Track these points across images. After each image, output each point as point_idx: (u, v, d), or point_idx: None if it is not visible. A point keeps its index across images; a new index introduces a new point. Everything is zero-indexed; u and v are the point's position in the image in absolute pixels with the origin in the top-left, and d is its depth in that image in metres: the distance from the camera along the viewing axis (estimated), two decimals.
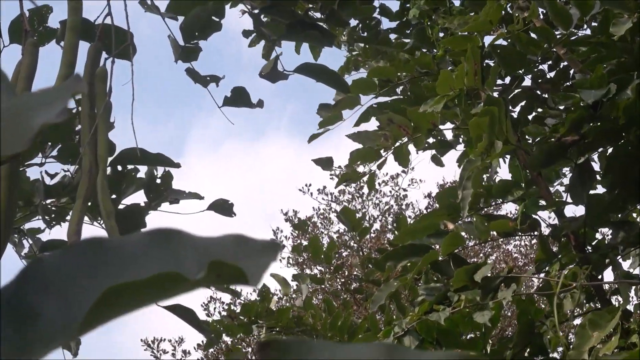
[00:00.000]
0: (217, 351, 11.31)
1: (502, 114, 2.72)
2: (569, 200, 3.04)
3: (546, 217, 3.16)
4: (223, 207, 2.31)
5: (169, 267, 0.42)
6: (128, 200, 2.50)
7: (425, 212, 11.64)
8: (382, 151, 3.35)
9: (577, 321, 3.50)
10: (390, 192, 12.42)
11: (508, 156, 3.38)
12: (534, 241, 11.34)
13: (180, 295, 0.42)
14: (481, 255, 11.52)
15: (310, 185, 11.89)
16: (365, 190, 12.00)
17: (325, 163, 3.72)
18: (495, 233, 3.17)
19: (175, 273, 0.40)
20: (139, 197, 2.55)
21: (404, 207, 12.53)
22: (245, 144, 23.28)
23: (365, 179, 3.68)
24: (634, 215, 3.39)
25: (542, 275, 3.23)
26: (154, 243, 0.45)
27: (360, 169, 3.66)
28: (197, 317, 2.07)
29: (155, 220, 2.56)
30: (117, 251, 0.45)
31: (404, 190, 12.46)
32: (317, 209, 12.18)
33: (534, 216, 3.11)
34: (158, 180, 2.49)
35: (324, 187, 12.18)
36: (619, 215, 3.14)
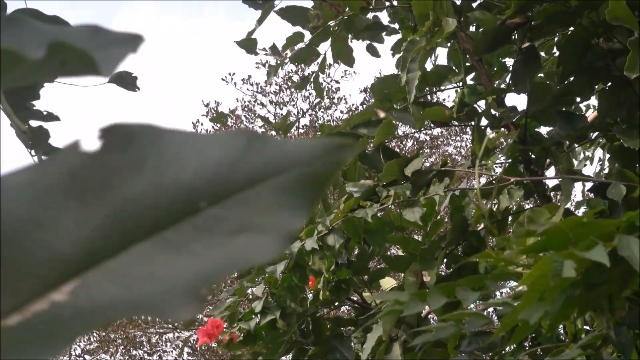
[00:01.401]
0: None
1: None
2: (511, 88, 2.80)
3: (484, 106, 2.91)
4: (125, 81, 2.01)
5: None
6: None
7: (360, 107, 11.36)
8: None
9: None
10: (321, 84, 12.06)
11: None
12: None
13: (22, 82, 0.39)
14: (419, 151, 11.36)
15: (234, 74, 11.50)
16: (296, 78, 11.65)
17: (248, 45, 3.42)
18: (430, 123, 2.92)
19: (9, 50, 0.35)
20: None
21: (335, 100, 12.19)
22: (178, 27, 22.61)
23: (311, 80, 3.46)
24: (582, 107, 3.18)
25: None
26: None
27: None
28: None
29: (51, 92, 2.26)
30: None
31: (337, 82, 12.07)
32: (241, 101, 11.84)
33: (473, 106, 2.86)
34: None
35: (249, 77, 11.81)
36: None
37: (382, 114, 2.91)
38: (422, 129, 3.00)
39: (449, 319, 1.26)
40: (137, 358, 11.89)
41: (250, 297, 3.39)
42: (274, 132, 4.07)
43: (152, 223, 0.32)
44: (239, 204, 0.32)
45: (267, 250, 0.30)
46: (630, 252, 1.03)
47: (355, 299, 3.56)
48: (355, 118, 2.96)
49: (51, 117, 1.97)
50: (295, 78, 11.88)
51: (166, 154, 0.33)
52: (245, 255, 0.30)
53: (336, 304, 3.26)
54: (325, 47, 3.41)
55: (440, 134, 11.80)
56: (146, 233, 0.31)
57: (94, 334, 11.70)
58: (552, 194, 2.88)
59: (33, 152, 1.94)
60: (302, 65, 11.18)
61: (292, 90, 12.09)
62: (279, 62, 3.47)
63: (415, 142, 11.76)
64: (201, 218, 0.32)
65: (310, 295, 3.09)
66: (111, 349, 11.75)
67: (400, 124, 2.94)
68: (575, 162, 3.40)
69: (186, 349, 11.56)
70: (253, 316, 2.94)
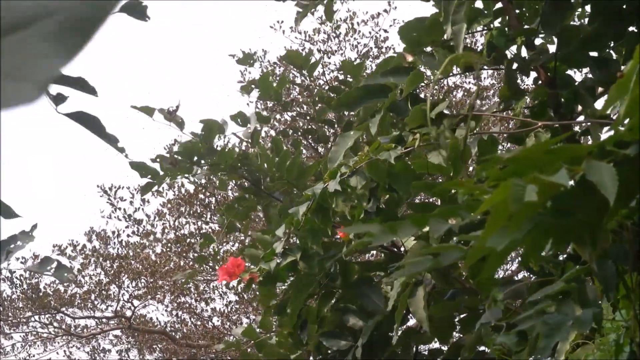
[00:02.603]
0: (178, 197, 11.20)
1: None
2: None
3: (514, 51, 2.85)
4: (135, 10, 2.01)
5: None
6: None
7: None
8: None
9: None
10: (370, 33, 11.92)
11: None
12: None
13: None
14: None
15: (282, 22, 11.42)
16: (343, 30, 11.54)
17: None
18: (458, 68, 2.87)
19: None
20: None
21: (384, 50, 12.05)
22: None
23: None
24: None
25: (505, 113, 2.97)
26: None
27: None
28: (102, 125, 1.95)
29: None
30: None
31: (385, 31, 11.93)
32: (290, 49, 11.76)
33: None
34: None
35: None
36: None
37: (409, 58, 2.87)
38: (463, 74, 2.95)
39: (425, 252, 1.25)
40: (185, 305, 12.07)
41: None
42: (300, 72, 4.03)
43: None
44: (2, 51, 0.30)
45: (27, 96, 0.29)
46: (599, 178, 1.00)
47: (385, 244, 3.54)
48: (384, 64, 2.92)
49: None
50: (344, 27, 11.79)
51: None
52: (7, 101, 0.29)
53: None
54: None
55: (490, 85, 11.64)
56: None
57: (142, 281, 11.88)
58: (581, 138, 2.83)
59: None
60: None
61: (341, 39, 11.98)
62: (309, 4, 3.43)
63: (466, 93, 11.64)
64: None
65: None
66: (158, 295, 11.93)
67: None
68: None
69: (234, 297, 11.69)
70: (274, 257, 2.95)
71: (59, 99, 2.03)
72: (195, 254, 10.99)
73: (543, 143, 1.09)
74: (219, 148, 3.50)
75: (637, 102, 1.09)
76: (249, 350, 3.45)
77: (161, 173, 3.48)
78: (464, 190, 1.21)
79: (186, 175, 3.54)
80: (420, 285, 2.76)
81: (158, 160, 3.49)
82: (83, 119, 1.95)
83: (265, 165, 3.49)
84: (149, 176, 3.53)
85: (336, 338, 3.02)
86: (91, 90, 2.03)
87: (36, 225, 2.54)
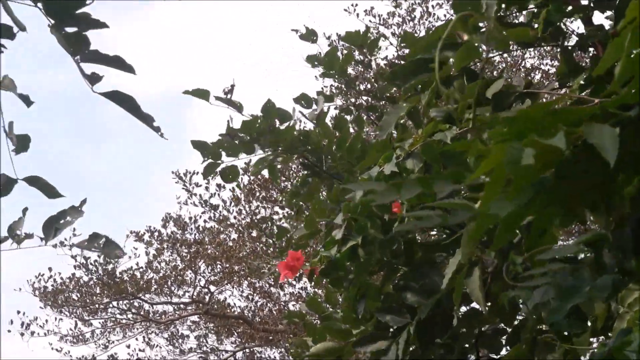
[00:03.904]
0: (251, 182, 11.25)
1: None
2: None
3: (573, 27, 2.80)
4: None
5: None
6: None
7: None
8: None
9: None
10: (445, 16, 11.84)
11: None
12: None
13: None
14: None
15: (356, 5, 11.41)
16: (417, 13, 11.49)
17: None
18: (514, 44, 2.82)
19: None
20: None
21: None
22: None
23: None
24: None
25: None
26: None
27: None
28: (138, 104, 2.01)
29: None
30: None
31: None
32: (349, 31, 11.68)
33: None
34: None
35: (372, 9, 11.68)
36: None
37: (465, 36, 2.83)
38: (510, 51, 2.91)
39: (437, 206, 1.23)
40: (262, 290, 12.16)
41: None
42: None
43: None
44: None
45: None
46: (599, 140, 0.96)
47: (446, 225, 3.51)
48: (433, 34, 2.86)
49: (97, 23, 1.99)
50: (419, 11, 11.72)
51: None
52: None
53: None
54: None
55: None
56: None
57: (218, 266, 12.02)
58: None
59: (78, 58, 1.99)
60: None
61: (416, 22, 11.91)
62: None
63: (544, 75, 11.47)
64: None
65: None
66: (235, 279, 12.05)
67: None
68: None
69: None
70: (334, 245, 2.93)
71: (94, 79, 2.05)
72: (269, 240, 11.05)
73: (544, 104, 1.06)
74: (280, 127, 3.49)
75: (631, 61, 1.06)
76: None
77: (222, 154, 3.48)
78: (472, 152, 1.19)
79: (247, 155, 3.54)
80: (476, 266, 2.73)
81: (220, 137, 3.49)
82: (119, 98, 1.98)
83: (326, 143, 3.48)
84: (210, 157, 3.54)
85: (393, 314, 2.99)
86: (129, 68, 2.04)
87: (85, 200, 2.57)
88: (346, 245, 2.92)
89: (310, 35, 3.95)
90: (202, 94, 3.46)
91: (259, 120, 3.46)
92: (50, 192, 2.32)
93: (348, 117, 4.16)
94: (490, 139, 1.06)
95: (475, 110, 2.49)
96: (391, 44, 11.96)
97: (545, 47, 11.77)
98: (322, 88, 9.93)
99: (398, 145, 2.73)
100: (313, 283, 3.10)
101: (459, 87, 2.63)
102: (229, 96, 3.52)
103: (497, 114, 2.41)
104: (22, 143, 2.29)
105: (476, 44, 2.82)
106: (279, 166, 3.93)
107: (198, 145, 3.57)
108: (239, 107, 3.59)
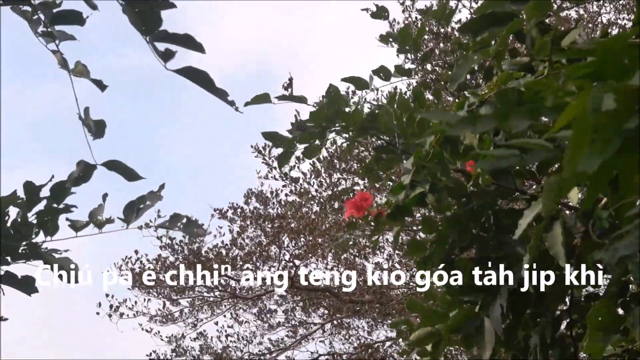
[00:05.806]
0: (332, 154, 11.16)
1: None
2: None
3: None
4: None
5: None
6: None
7: None
8: None
9: None
10: None
11: None
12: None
13: None
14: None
15: None
16: None
17: None
18: None
19: None
20: None
21: None
22: None
23: None
24: None
25: None
26: None
27: None
28: (211, 79, 2.03)
29: None
30: None
31: None
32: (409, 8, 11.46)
33: None
34: None
35: None
36: None
37: None
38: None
39: (513, 145, 1.15)
40: (347, 261, 12.13)
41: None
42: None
43: None
44: None
45: None
46: None
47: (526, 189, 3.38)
48: None
49: (165, 3, 1.96)
50: None
51: None
52: None
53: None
54: None
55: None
56: None
57: (302, 240, 12.01)
58: None
59: (148, 39, 1.96)
60: None
61: None
62: None
63: (622, 30, 11.11)
64: None
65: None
66: (319, 252, 12.03)
67: None
68: None
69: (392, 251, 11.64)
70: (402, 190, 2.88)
71: (167, 55, 2.04)
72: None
73: (624, 34, 0.95)
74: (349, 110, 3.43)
75: None
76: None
77: (294, 141, 3.43)
78: (549, 92, 1.09)
79: (320, 140, 3.48)
80: (557, 220, 2.61)
81: (289, 131, 3.44)
82: (192, 74, 1.98)
83: (395, 122, 3.38)
84: (282, 146, 3.49)
85: (478, 291, 2.89)
86: (198, 47, 2.01)
87: (163, 185, 2.58)
88: (414, 191, 2.85)
89: (382, 12, 3.86)
90: (263, 98, 3.43)
91: (325, 109, 3.39)
92: (130, 175, 2.33)
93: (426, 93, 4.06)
94: (569, 77, 0.96)
95: (552, 58, 2.37)
96: (464, 6, 11.73)
97: (621, 1, 11.43)
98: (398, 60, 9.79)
99: (470, 93, 2.64)
100: (377, 227, 3.02)
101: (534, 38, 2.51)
102: (289, 91, 3.46)
103: (573, 45, 2.28)
104: (99, 128, 2.29)
105: None
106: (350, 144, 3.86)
107: (269, 136, 3.53)
108: (302, 100, 3.54)
